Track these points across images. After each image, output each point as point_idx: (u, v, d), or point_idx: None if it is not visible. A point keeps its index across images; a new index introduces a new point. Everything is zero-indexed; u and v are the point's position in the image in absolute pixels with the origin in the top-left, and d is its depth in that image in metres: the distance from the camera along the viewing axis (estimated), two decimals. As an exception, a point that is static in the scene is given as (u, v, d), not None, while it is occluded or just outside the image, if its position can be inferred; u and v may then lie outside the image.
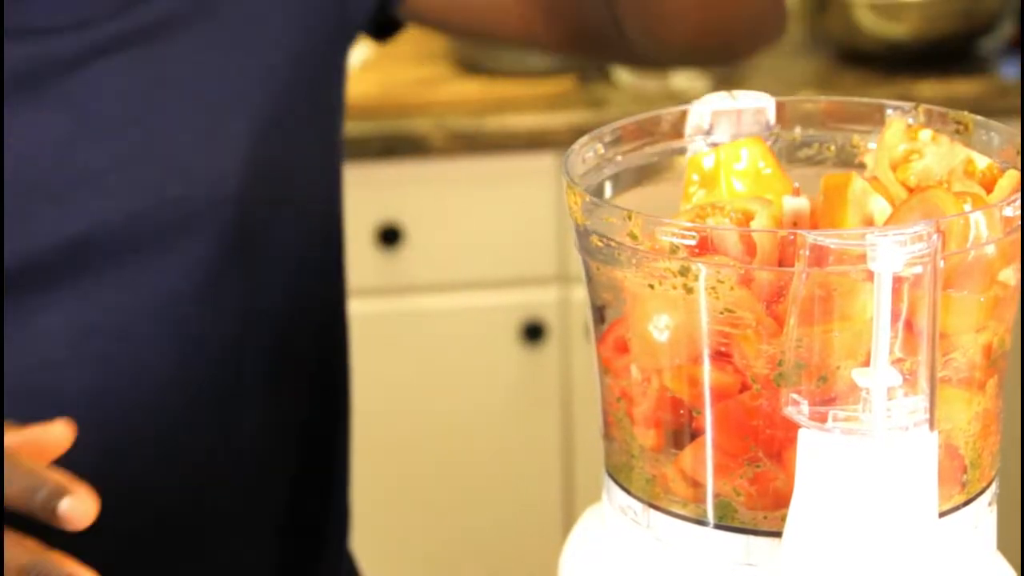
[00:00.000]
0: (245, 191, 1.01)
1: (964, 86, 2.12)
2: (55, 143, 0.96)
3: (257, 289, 1.03)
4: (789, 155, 0.83)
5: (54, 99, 0.95)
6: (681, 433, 0.73)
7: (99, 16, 0.96)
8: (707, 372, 0.71)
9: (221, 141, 1.00)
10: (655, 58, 1.16)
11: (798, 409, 0.68)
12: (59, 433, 0.81)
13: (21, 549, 0.78)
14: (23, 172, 0.95)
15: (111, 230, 0.97)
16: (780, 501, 0.71)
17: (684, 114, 0.82)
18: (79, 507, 0.78)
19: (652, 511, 0.74)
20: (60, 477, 0.79)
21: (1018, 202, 0.71)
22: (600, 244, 0.73)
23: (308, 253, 1.07)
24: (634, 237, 0.71)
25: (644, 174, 0.82)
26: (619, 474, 0.76)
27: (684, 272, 0.70)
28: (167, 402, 1.00)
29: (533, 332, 2.11)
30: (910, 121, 0.80)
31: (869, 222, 0.74)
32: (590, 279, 0.76)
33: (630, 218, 0.71)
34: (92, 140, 0.96)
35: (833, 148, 0.83)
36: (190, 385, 1.01)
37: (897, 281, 0.66)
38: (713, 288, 0.70)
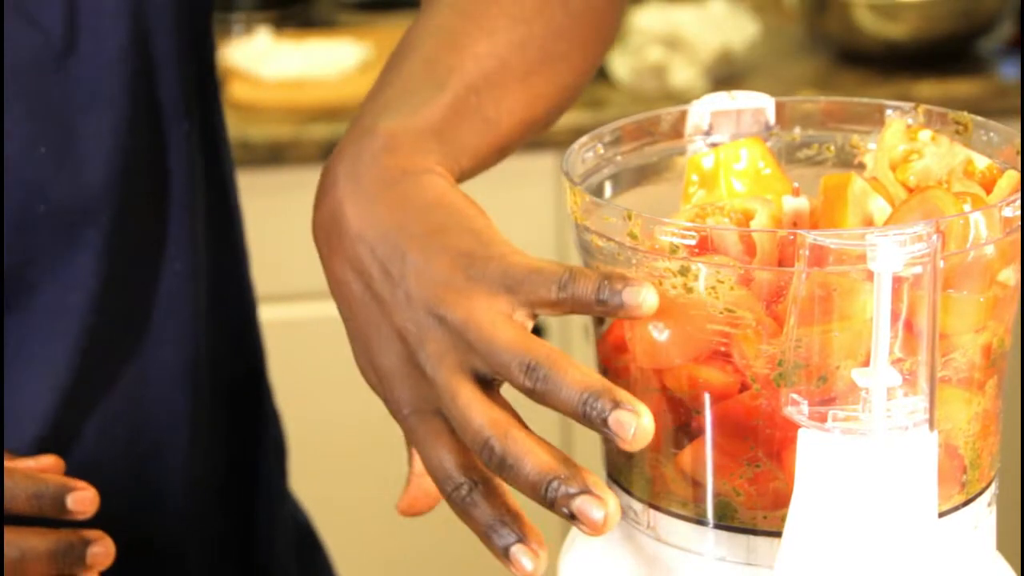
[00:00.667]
0: (119, 192, 0.96)
1: (963, 86, 2.12)
2: None
3: (154, 298, 1.00)
4: (789, 155, 0.83)
5: None
6: (681, 433, 0.73)
7: None
8: (707, 372, 0.71)
9: (81, 145, 0.96)
10: None
11: (798, 409, 0.68)
12: (50, 464, 0.86)
13: (41, 537, 0.82)
14: None
15: None
16: (780, 501, 0.71)
17: (684, 114, 0.82)
18: (85, 497, 0.83)
19: (652, 511, 0.74)
20: (59, 477, 0.83)
21: (1017, 202, 0.71)
22: (600, 244, 0.73)
23: (206, 255, 1.03)
24: (634, 237, 0.71)
25: (644, 174, 0.82)
26: (619, 474, 0.76)
27: (684, 272, 0.70)
28: (72, 419, 0.98)
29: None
30: (910, 121, 0.80)
31: (869, 222, 0.74)
32: (590, 279, 0.76)
33: (630, 218, 0.71)
34: None
35: (833, 148, 0.83)
36: (94, 399, 0.99)
37: (897, 281, 0.66)
38: (713, 288, 0.70)
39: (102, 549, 0.84)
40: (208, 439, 1.04)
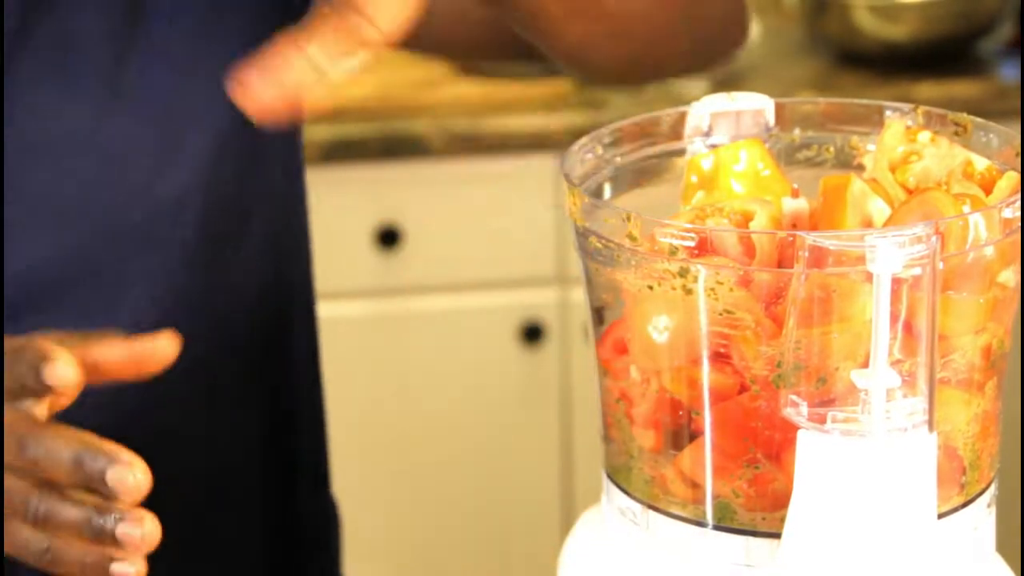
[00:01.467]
0: (207, 210, 0.98)
1: (963, 88, 2.12)
2: (6, 168, 0.92)
3: (223, 308, 1.02)
4: (788, 157, 0.83)
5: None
6: (680, 434, 0.73)
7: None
8: (706, 373, 0.71)
9: (180, 159, 0.97)
10: (593, 79, 1.15)
11: (797, 410, 0.68)
12: (164, 346, 0.80)
13: (63, 440, 0.76)
14: None
15: (69, 259, 0.95)
16: (779, 502, 0.71)
17: (683, 115, 0.82)
18: (126, 477, 0.75)
19: (651, 512, 0.74)
20: (109, 445, 0.76)
21: (1017, 204, 0.71)
22: (599, 245, 0.73)
23: (275, 267, 1.05)
24: (633, 238, 0.71)
25: (643, 175, 0.82)
26: (618, 475, 0.76)
27: (683, 273, 0.70)
28: (137, 428, 0.98)
29: (532, 333, 2.11)
30: (909, 123, 0.80)
31: (868, 224, 0.74)
32: (589, 280, 0.76)
33: (629, 219, 0.71)
34: (45, 164, 0.94)
35: (832, 150, 0.83)
36: (160, 409, 1.00)
37: (896, 282, 0.66)
38: (712, 289, 0.70)
39: (136, 529, 0.76)
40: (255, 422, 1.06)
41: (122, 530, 0.75)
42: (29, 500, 0.77)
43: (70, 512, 0.77)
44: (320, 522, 1.16)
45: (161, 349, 0.80)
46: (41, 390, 0.78)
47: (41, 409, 0.79)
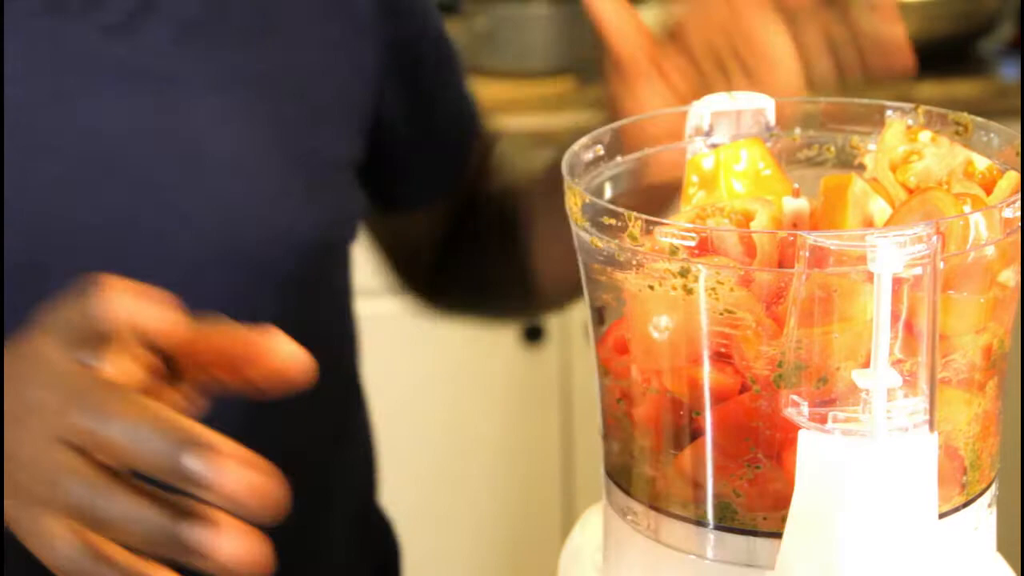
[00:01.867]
0: (316, 240, 0.98)
1: (964, 87, 2.12)
2: (161, 186, 0.90)
3: (313, 335, 1.02)
4: (789, 156, 0.83)
5: (165, 139, 0.91)
6: (681, 434, 0.73)
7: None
8: (707, 373, 0.71)
9: (304, 190, 0.97)
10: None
11: (798, 410, 0.68)
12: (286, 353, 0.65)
13: (145, 414, 0.61)
14: (121, 211, 0.89)
15: (185, 281, 0.86)
16: (780, 502, 0.71)
17: (684, 115, 0.82)
18: (217, 459, 0.59)
19: (652, 512, 0.74)
20: (215, 435, 0.61)
21: (1018, 203, 0.71)
22: (600, 245, 0.73)
23: (348, 296, 1.07)
24: (634, 238, 0.71)
25: (644, 175, 0.82)
26: (619, 475, 0.76)
27: (684, 273, 0.70)
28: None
29: (533, 333, 2.11)
30: (910, 122, 0.80)
31: (869, 223, 0.74)
32: (590, 280, 0.76)
33: (630, 219, 0.71)
34: (195, 185, 0.91)
35: (833, 149, 0.83)
36: (257, 429, 0.99)
37: (897, 282, 0.66)
38: (713, 289, 0.70)
39: (215, 536, 0.59)
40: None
41: (225, 548, 0.59)
42: (75, 485, 0.61)
43: (143, 512, 0.60)
44: (384, 534, 1.17)
45: (283, 355, 0.66)
46: (96, 336, 0.63)
47: (108, 364, 0.64)
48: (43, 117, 0.88)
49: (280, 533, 0.63)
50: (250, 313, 0.80)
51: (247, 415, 0.87)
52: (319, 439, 1.06)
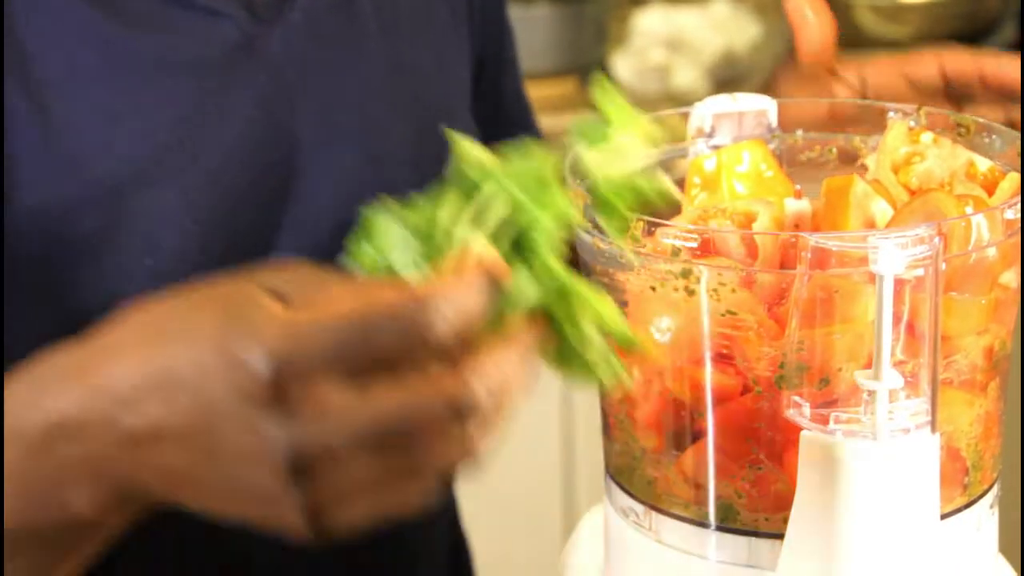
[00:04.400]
0: None
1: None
2: (293, 171, 0.90)
3: None
4: (791, 157, 0.83)
5: (346, 137, 0.91)
6: (683, 435, 0.73)
7: None
8: (709, 374, 0.71)
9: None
10: None
11: (800, 411, 0.68)
12: None
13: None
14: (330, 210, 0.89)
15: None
16: (782, 503, 0.71)
17: (686, 116, 0.82)
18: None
19: (654, 513, 0.74)
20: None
21: (1019, 205, 0.71)
22: (602, 246, 0.73)
23: None
24: (636, 239, 0.71)
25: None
26: (621, 476, 0.76)
27: (686, 274, 0.70)
28: None
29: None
30: (912, 124, 0.80)
31: (871, 224, 0.74)
32: (592, 281, 0.76)
33: (632, 220, 0.71)
34: (381, 180, 0.91)
35: (835, 151, 0.83)
36: None
37: (899, 283, 0.66)
38: (715, 290, 0.70)
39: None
40: None
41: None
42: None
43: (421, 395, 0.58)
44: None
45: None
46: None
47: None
48: (246, 122, 0.88)
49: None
50: None
51: None
52: None
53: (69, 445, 0.61)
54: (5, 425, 0.63)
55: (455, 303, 0.58)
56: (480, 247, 0.61)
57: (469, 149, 0.65)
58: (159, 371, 0.60)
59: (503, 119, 1.08)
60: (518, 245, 0.63)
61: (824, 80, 0.88)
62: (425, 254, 0.63)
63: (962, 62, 0.87)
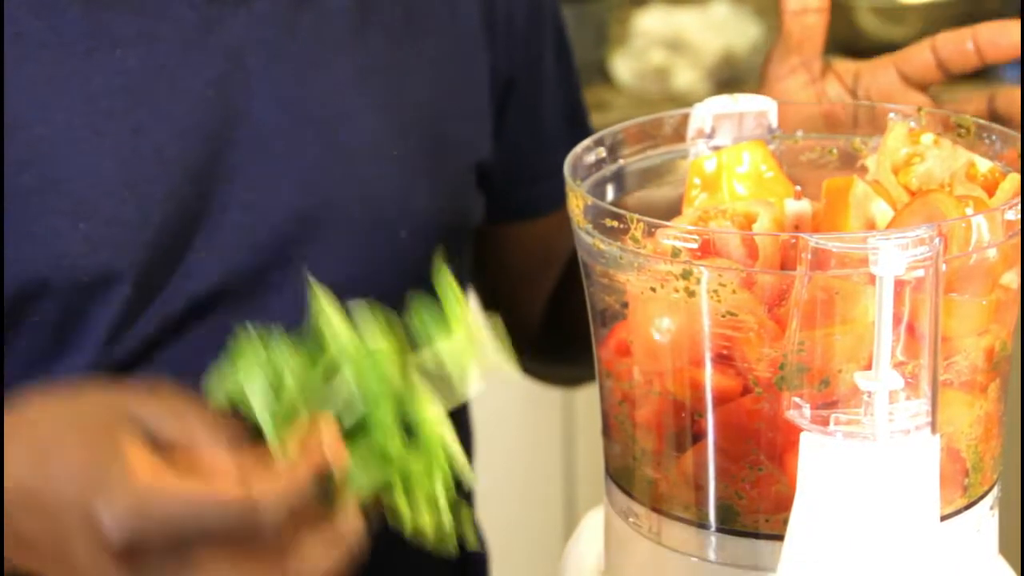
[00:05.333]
0: (443, 224, 0.98)
1: (965, 89, 2.12)
2: (304, 168, 0.92)
3: None
4: (791, 158, 0.83)
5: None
6: (683, 436, 0.73)
7: None
8: (709, 375, 0.71)
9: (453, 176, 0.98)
10: None
11: (800, 412, 0.68)
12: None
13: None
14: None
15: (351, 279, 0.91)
16: (782, 504, 0.71)
17: (686, 117, 0.82)
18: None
19: (654, 515, 0.74)
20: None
21: (1019, 206, 0.71)
22: (602, 247, 0.73)
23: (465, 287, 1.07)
24: (636, 240, 0.71)
25: (646, 177, 0.82)
26: (621, 477, 0.76)
27: (686, 275, 0.70)
28: None
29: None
30: (912, 124, 0.80)
31: (871, 225, 0.74)
32: (592, 282, 0.76)
33: (632, 221, 0.71)
34: (337, 167, 0.93)
35: (835, 151, 0.83)
36: None
37: (899, 284, 0.66)
38: (715, 291, 0.70)
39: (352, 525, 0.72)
40: None
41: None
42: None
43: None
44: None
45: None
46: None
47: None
48: (199, 100, 0.90)
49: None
50: (381, 292, 0.85)
51: None
52: None
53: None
54: None
55: (285, 499, 0.69)
56: (324, 427, 0.70)
57: (330, 316, 0.73)
58: (33, 494, 0.72)
59: (545, 143, 1.06)
60: (361, 423, 0.72)
61: (813, 67, 0.88)
62: (277, 411, 0.72)
63: (954, 35, 0.88)
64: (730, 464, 0.72)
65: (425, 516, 0.72)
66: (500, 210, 1.06)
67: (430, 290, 0.96)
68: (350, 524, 0.71)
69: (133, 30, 0.89)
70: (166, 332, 0.89)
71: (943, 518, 0.71)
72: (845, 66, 0.89)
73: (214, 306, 0.90)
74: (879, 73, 0.87)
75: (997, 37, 0.87)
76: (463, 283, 1.05)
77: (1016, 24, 0.86)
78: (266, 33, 0.91)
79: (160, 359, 0.90)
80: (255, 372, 0.72)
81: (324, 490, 0.70)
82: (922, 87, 0.88)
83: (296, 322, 0.76)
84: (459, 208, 1.00)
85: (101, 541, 0.70)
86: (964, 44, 0.87)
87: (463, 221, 1.01)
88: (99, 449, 0.71)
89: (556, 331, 1.12)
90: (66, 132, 0.87)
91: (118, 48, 0.88)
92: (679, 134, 0.82)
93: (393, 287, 0.91)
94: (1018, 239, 0.71)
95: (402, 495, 0.72)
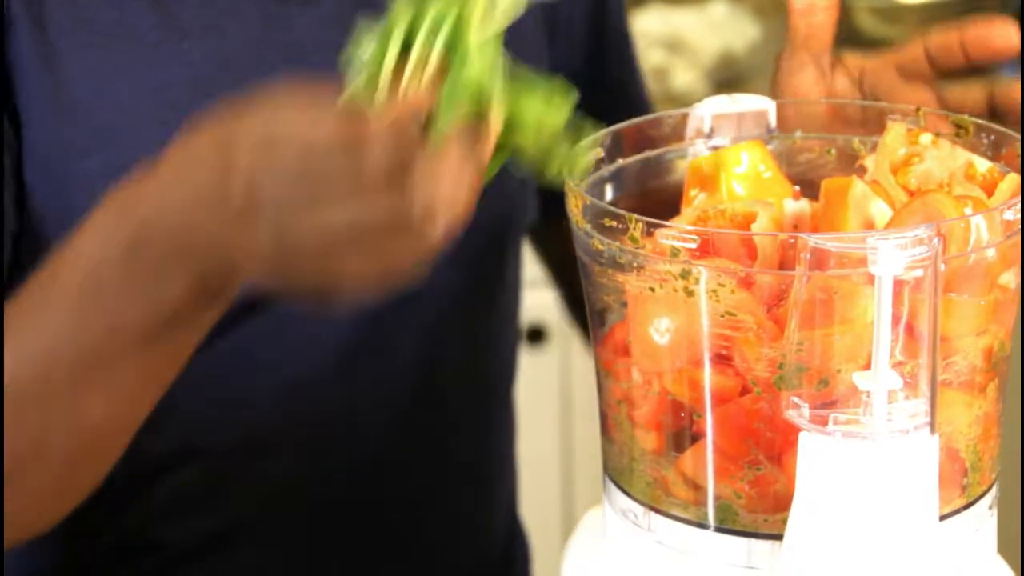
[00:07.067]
0: (497, 222, 0.99)
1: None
2: None
3: (494, 313, 1.03)
4: (789, 158, 0.83)
5: None
6: (682, 436, 0.73)
7: None
8: (708, 375, 0.71)
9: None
10: None
11: (799, 412, 0.68)
12: None
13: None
14: None
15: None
16: (781, 504, 0.71)
17: (685, 117, 0.82)
18: None
19: (653, 514, 0.74)
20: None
21: (1018, 206, 0.71)
22: (601, 247, 0.73)
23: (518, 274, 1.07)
24: (635, 240, 0.71)
25: (645, 177, 0.82)
26: (620, 477, 0.76)
27: (685, 275, 0.70)
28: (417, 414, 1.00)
29: (534, 335, 2.11)
30: (911, 125, 0.80)
31: (870, 225, 0.74)
32: (591, 282, 0.76)
33: (631, 221, 0.71)
34: None
35: (834, 151, 0.83)
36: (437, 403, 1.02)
37: (898, 284, 0.66)
38: (714, 291, 0.70)
39: None
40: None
41: None
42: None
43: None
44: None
45: None
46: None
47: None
48: (201, 68, 0.91)
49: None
50: (437, 288, 0.87)
51: (408, 418, 0.97)
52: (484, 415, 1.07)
53: (160, 243, 0.71)
54: (98, 239, 0.73)
55: (387, 143, 0.66)
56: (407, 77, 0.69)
57: None
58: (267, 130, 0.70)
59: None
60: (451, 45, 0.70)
61: (823, 62, 0.88)
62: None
63: (944, 33, 0.88)
64: (729, 464, 0.72)
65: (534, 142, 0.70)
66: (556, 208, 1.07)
67: (484, 286, 0.98)
68: (459, 151, 0.68)
69: (200, 23, 0.90)
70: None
71: (942, 518, 0.71)
72: (853, 61, 0.89)
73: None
74: (881, 69, 0.88)
75: (986, 36, 0.87)
76: (516, 277, 1.07)
77: (1009, 24, 0.86)
78: (330, 33, 0.92)
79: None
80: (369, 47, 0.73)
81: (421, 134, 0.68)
82: (924, 82, 0.88)
83: None
84: (513, 205, 1.01)
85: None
86: (953, 42, 0.87)
87: (518, 218, 1.02)
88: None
89: None
90: (132, 120, 0.88)
91: (185, 41, 0.90)
92: (678, 134, 0.82)
93: (450, 283, 0.94)
94: (1017, 239, 0.71)
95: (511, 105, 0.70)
